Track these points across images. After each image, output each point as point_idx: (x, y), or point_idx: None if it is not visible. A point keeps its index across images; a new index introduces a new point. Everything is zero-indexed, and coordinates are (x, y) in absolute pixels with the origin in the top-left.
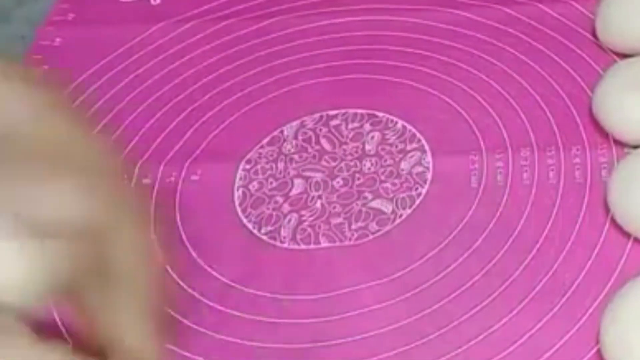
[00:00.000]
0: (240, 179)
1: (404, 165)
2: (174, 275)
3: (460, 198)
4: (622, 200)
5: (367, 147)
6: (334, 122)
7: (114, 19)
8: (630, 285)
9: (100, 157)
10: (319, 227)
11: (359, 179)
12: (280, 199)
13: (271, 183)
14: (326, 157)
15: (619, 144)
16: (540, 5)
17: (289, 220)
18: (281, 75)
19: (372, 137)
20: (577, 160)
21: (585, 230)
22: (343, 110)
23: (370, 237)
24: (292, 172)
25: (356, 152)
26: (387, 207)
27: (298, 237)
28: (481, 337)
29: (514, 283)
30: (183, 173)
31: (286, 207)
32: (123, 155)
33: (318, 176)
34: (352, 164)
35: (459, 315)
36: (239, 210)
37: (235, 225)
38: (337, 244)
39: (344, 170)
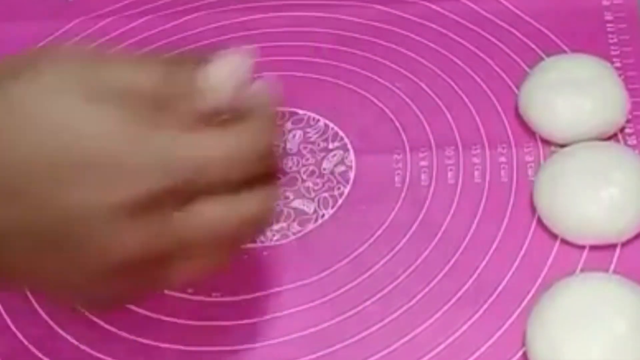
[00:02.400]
0: None
1: (326, 164)
2: None
3: (383, 198)
4: (548, 200)
5: (289, 145)
6: None
7: (25, 15)
8: (556, 286)
9: None
10: None
11: (279, 178)
12: None
13: None
14: None
15: (546, 142)
16: (465, 1)
17: None
18: None
19: (294, 136)
20: (503, 159)
21: (511, 231)
22: None
23: (292, 237)
24: None
25: (277, 150)
26: (309, 207)
27: None
28: (406, 338)
29: (439, 284)
30: None
31: None
32: None
33: None
34: None
35: (384, 317)
36: None
37: None
38: (258, 244)
39: None
